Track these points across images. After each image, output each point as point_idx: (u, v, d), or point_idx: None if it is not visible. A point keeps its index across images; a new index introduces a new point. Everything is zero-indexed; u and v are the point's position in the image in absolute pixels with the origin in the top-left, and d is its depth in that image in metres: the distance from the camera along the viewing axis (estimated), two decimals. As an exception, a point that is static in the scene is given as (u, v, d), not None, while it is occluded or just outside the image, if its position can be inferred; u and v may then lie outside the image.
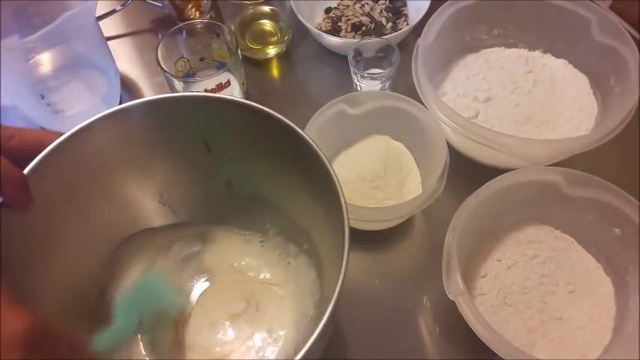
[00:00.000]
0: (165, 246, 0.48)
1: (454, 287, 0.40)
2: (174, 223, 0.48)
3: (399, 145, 0.54)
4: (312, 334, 0.30)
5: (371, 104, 0.52)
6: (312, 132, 0.49)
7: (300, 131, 0.38)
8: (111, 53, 0.61)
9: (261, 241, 0.48)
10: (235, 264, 0.48)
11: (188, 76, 0.57)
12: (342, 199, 0.35)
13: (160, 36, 0.68)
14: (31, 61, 0.54)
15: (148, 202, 0.46)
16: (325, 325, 0.31)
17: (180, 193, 0.47)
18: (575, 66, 0.58)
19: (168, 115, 0.41)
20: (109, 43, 0.64)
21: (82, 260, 0.42)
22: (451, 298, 0.41)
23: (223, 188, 0.47)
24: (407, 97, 0.51)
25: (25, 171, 0.35)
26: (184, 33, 0.56)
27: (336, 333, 0.48)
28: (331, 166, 0.36)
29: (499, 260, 0.47)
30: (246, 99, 0.58)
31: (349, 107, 0.51)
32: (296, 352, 0.30)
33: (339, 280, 0.32)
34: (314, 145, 0.37)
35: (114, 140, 0.40)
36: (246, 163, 0.44)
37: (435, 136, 0.49)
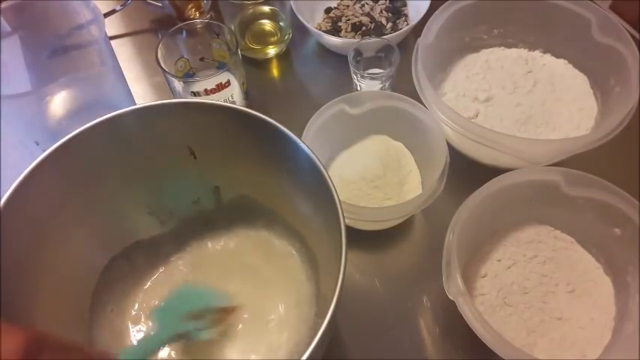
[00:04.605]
0: (155, 257, 0.48)
1: (454, 287, 0.40)
2: (164, 233, 0.48)
3: (399, 144, 0.54)
4: (312, 335, 0.30)
5: (371, 104, 0.52)
6: (312, 132, 0.48)
7: (285, 130, 0.37)
8: (131, 93, 0.59)
9: (253, 244, 0.48)
10: (227, 269, 0.48)
11: (188, 76, 0.57)
12: (335, 197, 0.34)
13: (159, 36, 0.68)
14: (42, 107, 0.53)
15: (135, 214, 0.46)
16: (327, 327, 0.31)
17: (168, 202, 0.46)
18: (575, 66, 0.58)
19: (151, 124, 0.41)
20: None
21: (73, 276, 0.42)
22: (451, 298, 0.41)
23: (211, 194, 0.47)
24: (407, 97, 0.51)
25: (10, 189, 0.35)
26: (184, 33, 0.56)
27: (335, 333, 0.48)
28: (321, 163, 0.36)
29: (499, 260, 0.47)
30: (246, 99, 0.59)
31: (349, 107, 0.51)
32: (299, 354, 0.30)
33: (339, 282, 0.32)
34: (300, 142, 0.37)
35: (97, 152, 0.40)
36: (232, 168, 0.43)
37: (435, 136, 0.49)
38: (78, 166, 0.39)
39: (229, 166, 0.43)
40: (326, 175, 0.35)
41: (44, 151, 0.52)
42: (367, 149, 0.54)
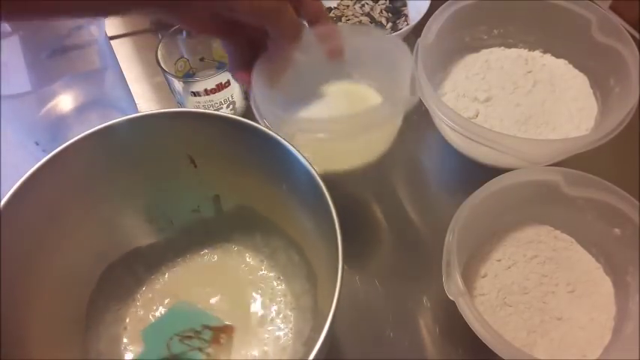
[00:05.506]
0: (154, 265, 0.47)
1: (454, 287, 0.40)
2: (163, 241, 0.47)
3: (362, 87, 0.48)
4: (307, 351, 0.30)
5: (320, 46, 0.43)
6: (260, 84, 0.41)
7: (287, 143, 0.37)
8: (131, 93, 0.60)
9: (252, 255, 0.48)
10: (226, 279, 0.48)
11: (188, 76, 0.57)
12: (333, 213, 0.34)
13: (160, 36, 0.68)
14: (42, 107, 0.53)
15: (134, 221, 0.45)
16: (323, 343, 0.30)
17: (167, 210, 0.46)
18: (575, 66, 0.58)
19: (151, 132, 0.41)
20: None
21: (69, 283, 0.41)
22: (451, 298, 0.41)
23: (211, 203, 0.47)
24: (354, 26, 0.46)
25: (7, 196, 0.35)
26: (184, 33, 0.56)
27: (334, 333, 0.48)
28: (320, 178, 0.36)
29: (499, 260, 0.47)
30: (246, 99, 0.59)
31: (300, 53, 0.42)
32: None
33: (335, 296, 0.31)
34: (299, 156, 0.37)
35: (96, 159, 0.40)
36: (233, 177, 0.43)
37: (396, 56, 0.43)
38: (76, 173, 0.39)
39: (230, 175, 0.43)
40: (324, 189, 0.35)
41: (44, 151, 0.52)
42: (329, 98, 0.47)
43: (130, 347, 0.44)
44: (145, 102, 0.63)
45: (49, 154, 0.37)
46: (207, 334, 0.43)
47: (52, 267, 0.39)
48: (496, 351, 0.38)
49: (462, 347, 0.46)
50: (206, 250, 0.49)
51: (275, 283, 0.47)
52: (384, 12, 0.67)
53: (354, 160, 0.47)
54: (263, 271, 0.48)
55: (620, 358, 0.42)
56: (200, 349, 0.43)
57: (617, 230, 0.45)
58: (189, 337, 0.43)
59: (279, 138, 0.38)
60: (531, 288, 0.46)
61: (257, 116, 0.40)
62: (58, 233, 0.39)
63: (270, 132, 0.38)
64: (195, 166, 0.43)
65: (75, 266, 0.41)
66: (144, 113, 0.40)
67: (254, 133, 0.39)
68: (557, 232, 0.49)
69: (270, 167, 0.40)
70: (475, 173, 0.50)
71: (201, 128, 0.40)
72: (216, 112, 0.40)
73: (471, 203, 0.43)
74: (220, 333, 0.44)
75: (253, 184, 0.43)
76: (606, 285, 0.46)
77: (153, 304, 0.46)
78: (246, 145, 0.40)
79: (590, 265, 0.47)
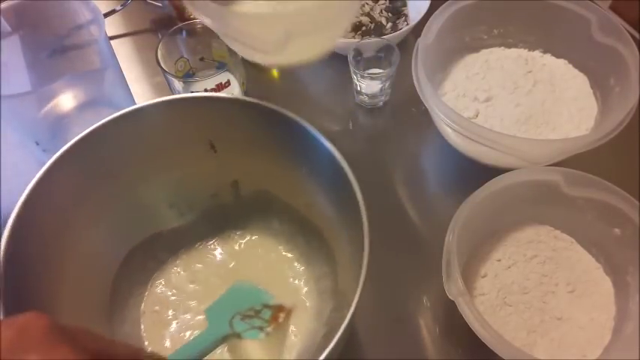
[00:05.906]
0: (174, 249, 0.48)
1: (454, 287, 0.40)
2: (183, 225, 0.48)
3: None
4: (328, 331, 0.30)
5: None
6: None
7: (307, 125, 0.38)
8: (131, 93, 0.60)
9: (271, 239, 0.48)
10: (245, 264, 0.48)
11: (188, 76, 0.57)
12: (357, 194, 0.34)
13: (160, 36, 0.68)
14: (42, 107, 0.53)
15: (156, 206, 0.46)
16: (347, 327, 0.31)
17: (188, 194, 0.47)
18: (575, 66, 0.58)
19: (173, 117, 0.41)
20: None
21: (94, 267, 0.42)
22: (451, 298, 0.41)
23: (229, 188, 0.47)
24: None
25: (35, 179, 0.35)
26: (184, 33, 0.56)
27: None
28: (343, 159, 0.36)
29: (499, 260, 0.47)
30: (246, 99, 0.59)
31: None
32: (311, 352, 0.30)
33: (359, 286, 0.32)
34: (322, 138, 0.37)
35: (121, 144, 0.41)
36: (251, 161, 0.44)
37: None
38: (99, 159, 0.40)
39: (249, 160, 0.44)
40: (348, 171, 0.35)
41: (44, 150, 0.52)
42: None
43: (152, 329, 0.45)
44: (145, 102, 0.63)
45: (50, 153, 0.37)
46: (266, 313, 0.44)
47: (77, 250, 0.40)
48: (496, 351, 0.38)
49: (461, 347, 0.46)
50: (226, 235, 0.49)
51: (296, 265, 0.47)
52: (384, 12, 0.67)
53: (310, 52, 0.38)
54: (282, 254, 0.48)
55: (620, 358, 0.42)
56: (260, 328, 0.43)
57: (617, 230, 0.45)
58: (250, 317, 0.43)
59: (300, 120, 0.38)
60: (531, 288, 0.46)
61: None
62: (82, 218, 0.40)
63: (291, 114, 0.38)
64: (215, 151, 0.44)
65: (99, 251, 0.42)
66: (166, 98, 0.40)
67: (275, 115, 0.39)
68: (557, 232, 0.49)
69: (289, 149, 0.41)
70: (475, 173, 0.50)
71: (222, 113, 0.41)
72: (236, 97, 0.41)
73: (471, 203, 0.43)
74: (279, 312, 0.44)
75: (272, 167, 0.43)
76: (606, 285, 0.46)
77: (174, 287, 0.47)
78: (266, 129, 0.40)
79: (590, 265, 0.47)
